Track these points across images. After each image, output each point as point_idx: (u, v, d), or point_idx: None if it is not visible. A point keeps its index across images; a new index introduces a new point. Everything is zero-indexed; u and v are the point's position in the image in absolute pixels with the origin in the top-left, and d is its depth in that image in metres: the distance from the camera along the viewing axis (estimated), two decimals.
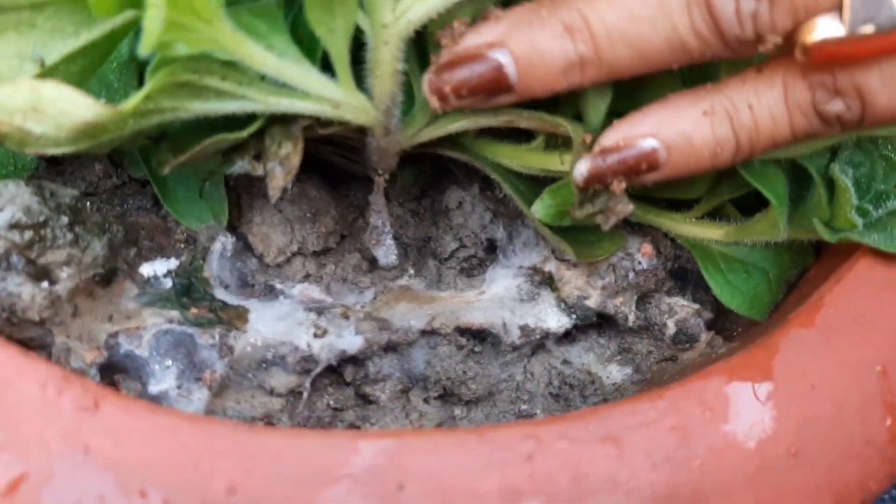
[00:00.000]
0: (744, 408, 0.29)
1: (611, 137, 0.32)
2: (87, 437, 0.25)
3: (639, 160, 0.32)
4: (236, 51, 0.29)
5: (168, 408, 0.28)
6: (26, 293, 0.31)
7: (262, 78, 0.31)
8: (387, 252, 0.39)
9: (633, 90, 0.33)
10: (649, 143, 0.32)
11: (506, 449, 0.27)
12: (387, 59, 0.32)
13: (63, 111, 0.28)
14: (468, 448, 0.26)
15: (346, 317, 0.35)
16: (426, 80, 0.32)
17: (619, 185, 0.32)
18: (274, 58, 0.30)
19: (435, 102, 0.32)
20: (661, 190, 0.37)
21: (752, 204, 0.37)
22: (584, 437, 0.27)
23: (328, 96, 0.32)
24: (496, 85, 0.31)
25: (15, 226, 0.31)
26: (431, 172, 0.41)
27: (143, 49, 0.27)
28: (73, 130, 0.29)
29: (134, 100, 0.28)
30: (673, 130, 0.31)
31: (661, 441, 0.28)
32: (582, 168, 0.33)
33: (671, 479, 0.27)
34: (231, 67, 0.30)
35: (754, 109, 0.31)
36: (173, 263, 0.36)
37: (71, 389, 0.26)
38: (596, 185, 0.33)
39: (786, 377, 0.30)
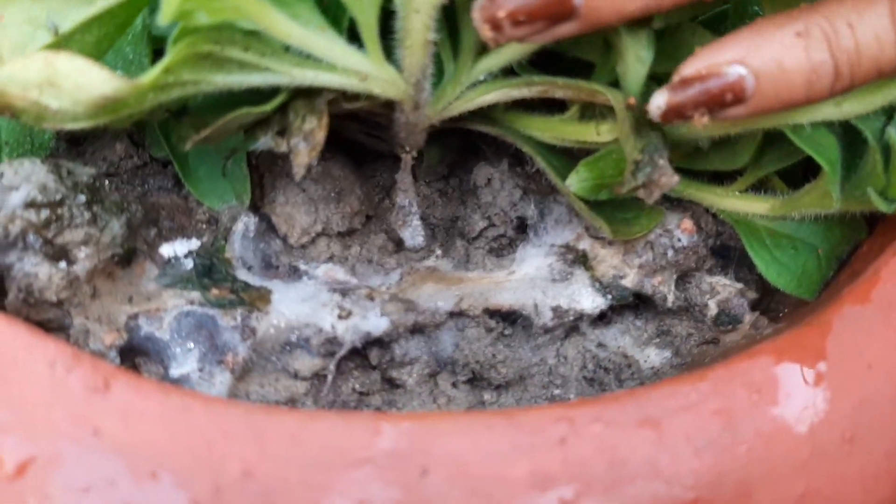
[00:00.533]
0: (794, 390, 0.27)
1: (692, 66, 0.29)
2: (96, 419, 0.24)
3: (723, 90, 0.29)
4: (260, 20, 0.28)
5: (180, 388, 0.28)
6: (43, 273, 0.30)
7: (287, 49, 0.30)
8: (413, 233, 0.38)
9: (674, 53, 0.31)
10: (735, 71, 0.29)
11: (536, 432, 0.25)
12: (418, 28, 0.31)
13: (79, 85, 0.27)
14: (496, 431, 0.25)
15: (372, 298, 0.34)
16: (477, 8, 0.29)
17: (700, 120, 0.30)
18: (299, 27, 0.29)
19: (487, 32, 0.29)
20: (702, 160, 0.35)
21: (798, 176, 0.36)
22: (620, 421, 0.26)
23: (355, 68, 0.31)
24: (558, 8, 0.28)
25: (31, 204, 0.31)
26: (459, 150, 0.40)
27: (164, 18, 0.26)
28: (90, 105, 0.28)
29: (153, 73, 0.28)
30: (762, 56, 0.29)
31: (704, 425, 0.26)
32: (659, 100, 0.30)
33: (715, 465, 0.26)
34: (254, 38, 0.29)
35: (855, 29, 0.28)
36: (194, 244, 0.35)
37: (80, 369, 0.25)
38: (675, 120, 0.30)
39: (840, 357, 0.28)
